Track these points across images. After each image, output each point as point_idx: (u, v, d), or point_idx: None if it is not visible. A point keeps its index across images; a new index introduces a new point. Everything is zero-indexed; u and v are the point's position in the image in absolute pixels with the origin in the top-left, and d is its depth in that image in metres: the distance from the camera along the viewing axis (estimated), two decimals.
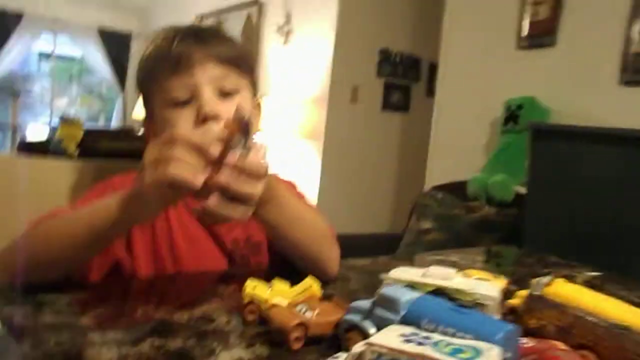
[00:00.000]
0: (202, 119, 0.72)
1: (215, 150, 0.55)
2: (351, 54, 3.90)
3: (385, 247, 2.42)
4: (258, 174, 0.56)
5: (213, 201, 0.55)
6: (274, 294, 0.57)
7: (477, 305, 0.52)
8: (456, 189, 2.46)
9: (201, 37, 0.78)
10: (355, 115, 3.95)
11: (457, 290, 0.54)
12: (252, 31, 4.64)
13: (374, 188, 4.00)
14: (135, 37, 7.28)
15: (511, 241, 2.02)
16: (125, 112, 7.32)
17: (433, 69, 4.00)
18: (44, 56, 7.65)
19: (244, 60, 0.81)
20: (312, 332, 0.52)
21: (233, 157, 0.55)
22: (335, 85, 3.84)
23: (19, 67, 7.13)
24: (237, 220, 0.57)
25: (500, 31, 2.55)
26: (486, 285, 0.56)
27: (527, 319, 0.54)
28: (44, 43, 7.17)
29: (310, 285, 0.59)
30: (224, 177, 0.55)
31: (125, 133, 5.12)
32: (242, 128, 0.57)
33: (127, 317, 0.56)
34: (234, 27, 4.68)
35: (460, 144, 2.81)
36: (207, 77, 0.75)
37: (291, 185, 0.92)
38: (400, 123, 4.19)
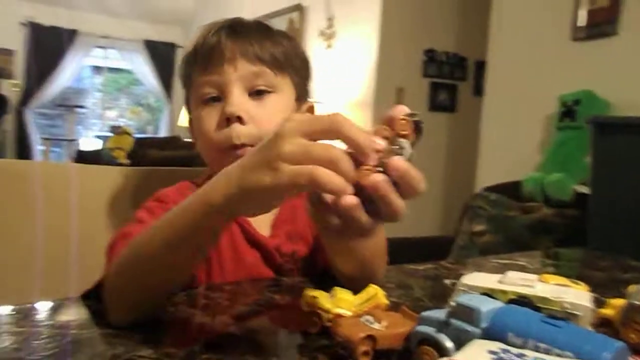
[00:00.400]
0: (225, 119, 0.70)
1: (374, 158, 0.43)
2: (395, 55, 3.84)
3: (436, 251, 2.34)
4: (415, 191, 0.44)
5: (351, 201, 0.42)
6: (337, 304, 0.52)
7: (567, 316, 0.46)
8: (509, 190, 2.36)
9: (237, 32, 0.74)
10: None
11: (543, 299, 0.48)
12: (295, 36, 4.64)
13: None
14: (179, 48, 7.45)
15: (571, 243, 1.91)
16: (172, 121, 7.48)
17: (480, 66, 3.89)
18: (96, 70, 7.94)
19: (286, 58, 0.76)
20: (381, 345, 0.48)
21: (400, 162, 0.43)
22: (380, 88, 3.78)
23: (73, 82, 7.42)
24: (361, 234, 0.45)
25: (554, 23, 2.44)
26: (575, 293, 0.50)
27: (626, 332, 0.47)
28: (95, 58, 7.44)
29: (375, 293, 0.54)
30: (382, 180, 0.42)
31: (172, 141, 5.24)
32: (415, 130, 0.45)
33: (181, 329, 0.53)
34: None
35: (512, 143, 2.70)
36: (238, 75, 0.72)
37: None
38: (448, 123, 4.09)
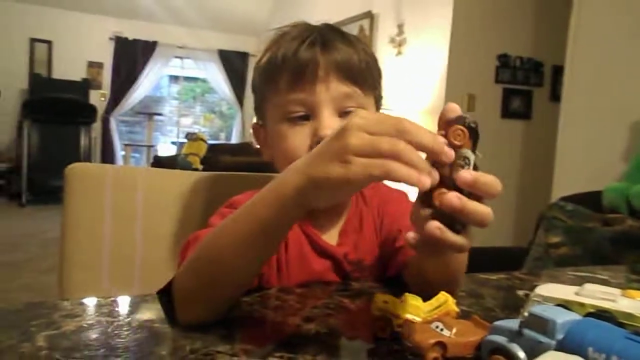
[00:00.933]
0: (318, 142, 0.68)
1: (448, 157, 0.44)
2: (467, 61, 3.77)
3: (509, 262, 2.26)
4: (492, 194, 0.45)
5: (434, 227, 0.43)
6: (407, 309, 0.53)
7: None
8: (588, 200, 2.24)
9: (329, 47, 0.71)
10: None
11: (627, 315, 0.46)
12: (365, 43, 4.66)
13: (495, 200, 3.78)
14: (252, 57, 7.68)
15: None
16: (244, 128, 7.71)
17: (557, 71, 3.74)
18: (173, 79, 8.33)
19: (370, 73, 0.75)
20: (452, 353, 0.47)
21: (468, 174, 0.43)
22: (451, 94, 3.72)
23: (152, 91, 7.83)
24: (457, 249, 0.45)
25: (638, 23, 2.30)
26: None
27: None
28: (172, 68, 7.81)
29: (446, 300, 0.54)
30: (456, 198, 0.43)
31: (244, 148, 5.40)
32: (472, 136, 0.44)
33: (256, 329, 0.55)
34: None
35: (592, 151, 2.57)
36: (330, 96, 0.70)
37: (403, 195, 0.86)
38: (522, 130, 3.95)
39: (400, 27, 4.28)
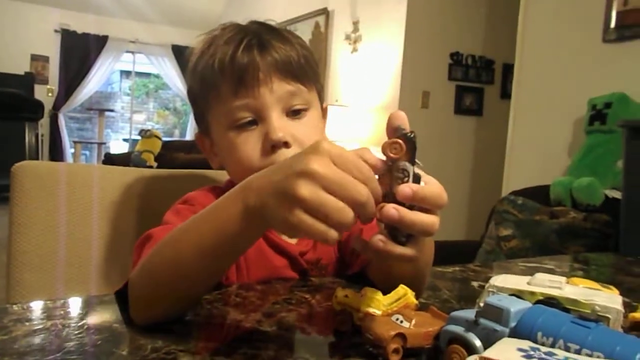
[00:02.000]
0: (271, 146, 0.67)
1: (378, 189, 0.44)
2: (421, 59, 3.84)
3: (462, 255, 2.32)
4: (436, 206, 0.45)
5: (377, 239, 0.44)
6: (368, 303, 0.54)
7: (597, 318, 0.46)
8: (537, 194, 2.33)
9: (266, 47, 0.69)
10: (427, 120, 3.87)
11: (572, 300, 0.48)
12: (321, 39, 4.67)
13: (448, 194, 3.88)
14: None
15: (602, 248, 1.88)
16: None
17: (508, 69, 3.86)
18: (125, 75, 8.11)
19: (310, 67, 0.74)
20: (411, 344, 0.49)
21: (407, 189, 0.43)
22: (406, 91, 3.78)
23: (102, 86, 7.60)
24: (407, 260, 0.46)
25: (584, 24, 2.41)
26: (604, 296, 0.50)
27: None
28: (124, 63, 7.60)
29: (405, 293, 0.55)
30: (393, 210, 0.43)
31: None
32: (410, 148, 0.44)
33: (217, 326, 0.55)
34: (302, 36, 4.75)
35: (540, 147, 2.67)
36: (275, 97, 0.68)
37: None
38: (474, 127, 4.06)
39: (355, 24, 4.31)
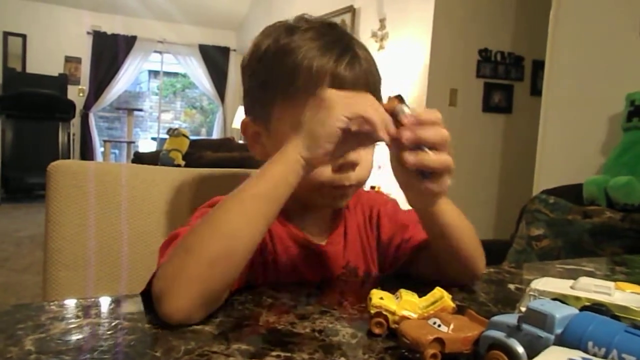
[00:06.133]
0: (342, 165, 0.69)
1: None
2: (448, 56, 3.78)
3: (491, 254, 2.28)
4: (436, 122, 0.59)
5: (407, 154, 0.57)
6: (403, 306, 0.52)
7: None
8: (570, 193, 2.27)
9: (353, 57, 0.70)
10: (455, 118, 3.81)
11: (623, 307, 0.46)
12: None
13: (476, 194, 3.83)
14: (232, 51, 7.61)
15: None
16: (225, 123, 7.65)
17: (538, 66, 3.78)
18: (153, 74, 8.23)
19: (379, 83, 0.75)
20: (450, 349, 0.47)
21: (405, 117, 0.58)
22: (433, 89, 3.74)
23: (131, 86, 7.72)
24: (439, 190, 0.59)
25: (620, 17, 2.33)
26: None
27: None
28: (152, 63, 7.71)
29: (442, 296, 0.54)
30: (408, 132, 0.57)
31: (226, 143, 5.36)
32: (399, 99, 0.60)
33: (250, 328, 0.54)
34: None
35: (572, 145, 2.60)
36: None
37: (395, 203, 0.88)
38: (503, 125, 3.99)
39: (382, 21, 4.28)
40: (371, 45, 4.36)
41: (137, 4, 6.51)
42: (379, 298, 0.53)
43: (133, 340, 0.48)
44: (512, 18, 3.93)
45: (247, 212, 0.56)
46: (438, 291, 0.55)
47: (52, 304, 0.56)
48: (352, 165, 0.71)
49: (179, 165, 4.37)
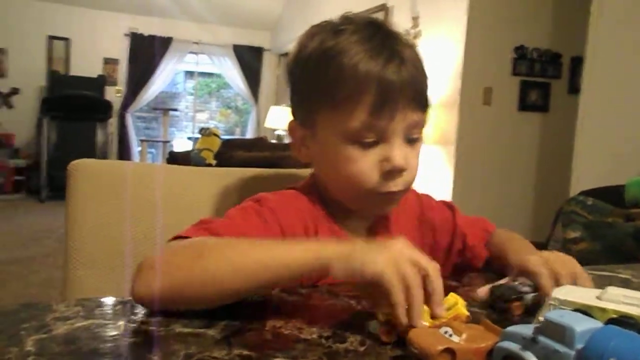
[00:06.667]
0: (389, 170, 0.68)
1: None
2: (483, 54, 3.70)
3: None
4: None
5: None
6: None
7: None
8: (609, 194, 2.18)
9: (407, 70, 0.68)
10: (489, 117, 3.73)
11: None
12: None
13: (512, 195, 3.73)
14: (266, 51, 7.66)
15: None
16: (259, 123, 7.70)
17: (577, 63, 3.65)
18: (188, 75, 8.35)
19: (426, 82, 0.74)
20: None
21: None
22: (467, 88, 3.66)
23: (167, 86, 7.86)
24: None
25: None
26: None
27: None
28: (187, 64, 7.83)
29: (455, 303, 0.51)
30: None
31: (258, 143, 5.39)
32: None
33: (254, 331, 0.52)
34: None
35: (612, 144, 2.50)
36: (404, 124, 0.69)
37: (449, 206, 0.90)
38: (540, 124, 3.87)
39: (415, 19, 4.22)
40: None
41: (173, 6, 6.61)
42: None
43: (133, 343, 0.48)
44: (549, 13, 3.81)
45: (254, 271, 0.56)
46: (452, 297, 0.52)
47: (59, 304, 0.55)
48: (400, 171, 0.69)
49: (210, 165, 4.42)
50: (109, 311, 0.55)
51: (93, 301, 0.57)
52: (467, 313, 0.51)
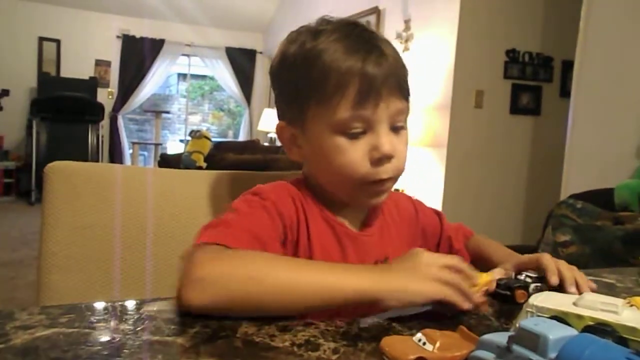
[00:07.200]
0: (378, 158, 0.71)
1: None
2: (475, 57, 3.70)
3: None
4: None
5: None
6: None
7: None
8: (599, 198, 2.18)
9: (390, 62, 0.72)
10: (481, 120, 3.72)
11: (630, 329, 0.41)
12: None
13: (503, 198, 3.73)
14: (259, 54, 7.64)
15: None
16: (251, 126, 7.68)
17: (568, 66, 3.65)
18: (181, 77, 8.33)
19: (406, 75, 0.76)
20: None
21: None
22: (459, 90, 3.65)
23: (160, 89, 7.83)
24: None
25: None
26: None
27: None
28: (180, 66, 7.80)
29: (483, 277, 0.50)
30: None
31: (250, 145, 5.37)
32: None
33: (226, 339, 0.51)
34: None
35: (602, 148, 2.50)
36: (388, 113, 0.71)
37: (437, 213, 0.94)
38: (531, 127, 3.87)
39: (407, 22, 4.22)
40: (396, 47, 4.29)
41: (165, 8, 6.58)
42: None
43: (95, 352, 0.46)
44: (541, 17, 3.82)
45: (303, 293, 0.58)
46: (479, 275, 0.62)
47: (22, 311, 0.53)
48: (388, 158, 0.71)
49: (200, 167, 4.39)
50: (75, 319, 0.53)
51: (59, 308, 0.55)
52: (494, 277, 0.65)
